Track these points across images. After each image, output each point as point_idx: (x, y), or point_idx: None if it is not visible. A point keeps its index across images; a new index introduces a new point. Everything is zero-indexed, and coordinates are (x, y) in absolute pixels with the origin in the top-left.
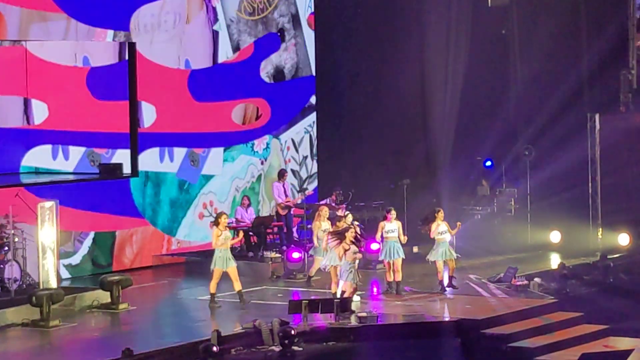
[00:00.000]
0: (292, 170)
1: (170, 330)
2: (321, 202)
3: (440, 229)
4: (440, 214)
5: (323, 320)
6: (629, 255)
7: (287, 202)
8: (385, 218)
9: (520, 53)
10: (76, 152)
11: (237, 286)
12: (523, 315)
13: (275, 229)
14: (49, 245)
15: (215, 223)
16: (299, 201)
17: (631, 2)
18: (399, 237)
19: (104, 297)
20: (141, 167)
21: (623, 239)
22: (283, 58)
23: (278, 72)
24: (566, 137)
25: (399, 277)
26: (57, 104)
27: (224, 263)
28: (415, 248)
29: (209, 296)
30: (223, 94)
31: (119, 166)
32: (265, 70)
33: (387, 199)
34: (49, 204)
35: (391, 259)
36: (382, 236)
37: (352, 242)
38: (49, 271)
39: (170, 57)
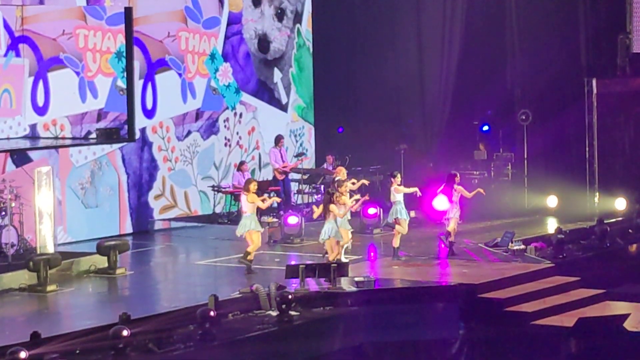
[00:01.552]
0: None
1: (167, 295)
2: (318, 168)
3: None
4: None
5: (318, 285)
6: (625, 219)
7: (284, 167)
8: (391, 183)
9: (518, 17)
10: (104, 87)
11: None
12: (520, 280)
13: (273, 194)
14: (46, 210)
15: (246, 189)
16: (297, 166)
17: None
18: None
19: (101, 261)
20: (163, 113)
21: (620, 204)
22: (274, 35)
23: (264, 42)
24: (563, 102)
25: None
26: None
27: (258, 225)
28: (412, 213)
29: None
30: None
31: (116, 131)
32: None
33: (384, 164)
34: (45, 168)
35: (407, 218)
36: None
37: (333, 202)
38: (46, 236)
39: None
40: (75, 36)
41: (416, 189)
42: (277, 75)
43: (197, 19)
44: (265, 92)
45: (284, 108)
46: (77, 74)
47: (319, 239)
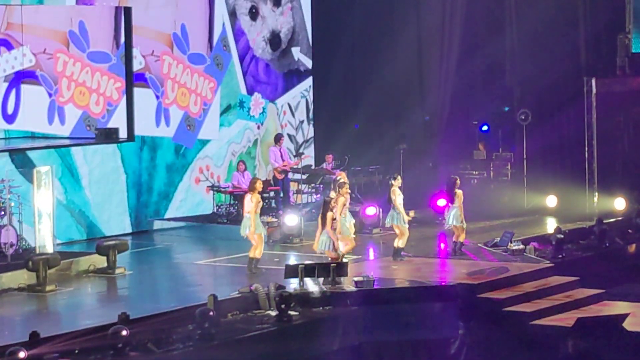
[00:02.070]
0: (289, 135)
1: (166, 294)
2: (317, 167)
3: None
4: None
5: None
6: (624, 219)
7: (283, 166)
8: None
9: (517, 17)
10: (72, 117)
11: (259, 253)
12: (519, 280)
13: (272, 194)
14: (45, 210)
15: (252, 189)
16: (297, 165)
17: None
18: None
19: (100, 261)
20: (137, 131)
21: (619, 204)
22: (279, 22)
23: (274, 37)
24: (563, 102)
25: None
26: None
27: (259, 227)
28: (412, 212)
29: (254, 261)
30: None
31: (115, 131)
32: (262, 34)
33: (383, 164)
34: (44, 168)
35: (404, 224)
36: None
37: (330, 210)
38: (45, 236)
39: (166, 21)
40: (55, 59)
41: (408, 217)
42: (295, 53)
43: (183, 50)
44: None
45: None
46: (50, 95)
47: (317, 250)
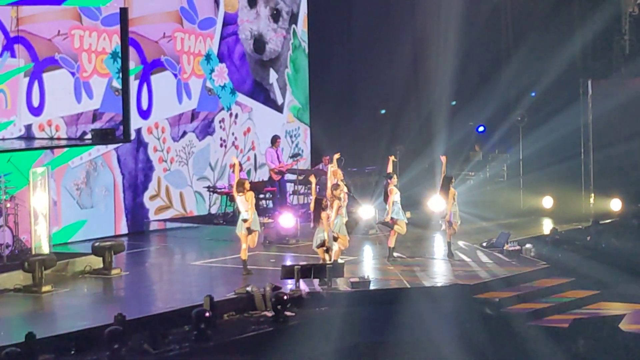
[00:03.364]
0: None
1: (162, 295)
2: (313, 168)
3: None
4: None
5: (312, 285)
6: (621, 220)
7: (280, 167)
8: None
9: (514, 18)
10: (99, 87)
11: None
12: (515, 281)
13: (268, 195)
14: (41, 210)
15: (242, 189)
16: (293, 166)
17: None
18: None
19: (97, 262)
20: (160, 114)
21: (615, 204)
22: (269, 36)
23: (260, 43)
24: (559, 103)
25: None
26: None
27: (257, 225)
28: (408, 213)
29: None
30: None
31: (111, 131)
32: (246, 37)
33: (380, 165)
34: (40, 169)
35: (404, 219)
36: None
37: (324, 209)
38: (41, 237)
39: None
40: (70, 37)
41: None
42: (272, 76)
43: (192, 20)
44: (261, 93)
45: (279, 109)
46: (73, 74)
47: (312, 247)
